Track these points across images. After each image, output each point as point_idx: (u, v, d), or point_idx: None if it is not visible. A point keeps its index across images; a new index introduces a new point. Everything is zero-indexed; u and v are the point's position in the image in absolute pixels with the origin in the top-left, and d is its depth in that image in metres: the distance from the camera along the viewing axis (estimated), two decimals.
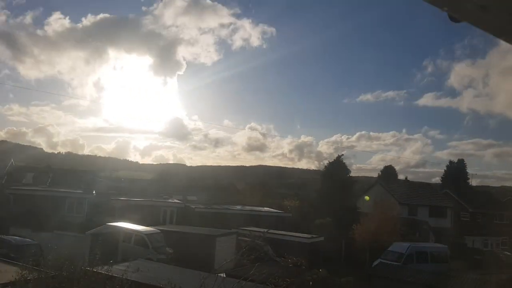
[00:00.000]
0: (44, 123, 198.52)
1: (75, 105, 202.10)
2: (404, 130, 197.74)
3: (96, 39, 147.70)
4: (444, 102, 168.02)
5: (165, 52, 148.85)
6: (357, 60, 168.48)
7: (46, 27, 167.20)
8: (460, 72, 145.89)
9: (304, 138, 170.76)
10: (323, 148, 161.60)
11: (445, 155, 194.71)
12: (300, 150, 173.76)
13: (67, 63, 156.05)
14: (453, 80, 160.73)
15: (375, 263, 28.92)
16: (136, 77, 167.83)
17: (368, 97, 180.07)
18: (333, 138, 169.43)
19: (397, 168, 79.94)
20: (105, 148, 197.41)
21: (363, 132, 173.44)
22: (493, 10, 1.21)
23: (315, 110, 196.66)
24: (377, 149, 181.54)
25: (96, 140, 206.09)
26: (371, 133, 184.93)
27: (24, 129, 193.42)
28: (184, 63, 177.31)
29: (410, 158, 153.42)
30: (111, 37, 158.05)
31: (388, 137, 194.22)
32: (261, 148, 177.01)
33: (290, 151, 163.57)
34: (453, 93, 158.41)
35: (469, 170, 65.08)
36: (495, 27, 1.28)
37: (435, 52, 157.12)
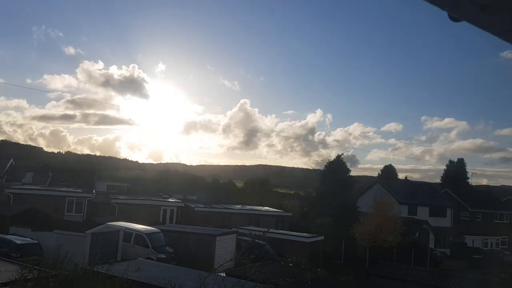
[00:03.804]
0: None
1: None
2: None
3: None
4: None
5: None
6: None
7: None
8: None
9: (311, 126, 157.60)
10: (335, 137, 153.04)
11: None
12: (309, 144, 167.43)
13: None
14: None
15: None
16: None
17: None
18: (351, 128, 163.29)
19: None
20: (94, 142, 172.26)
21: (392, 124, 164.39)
22: (493, 10, 1.21)
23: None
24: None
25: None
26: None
27: None
28: None
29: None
30: None
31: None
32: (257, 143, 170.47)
33: (290, 145, 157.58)
34: None
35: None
36: (495, 27, 1.28)
37: None
